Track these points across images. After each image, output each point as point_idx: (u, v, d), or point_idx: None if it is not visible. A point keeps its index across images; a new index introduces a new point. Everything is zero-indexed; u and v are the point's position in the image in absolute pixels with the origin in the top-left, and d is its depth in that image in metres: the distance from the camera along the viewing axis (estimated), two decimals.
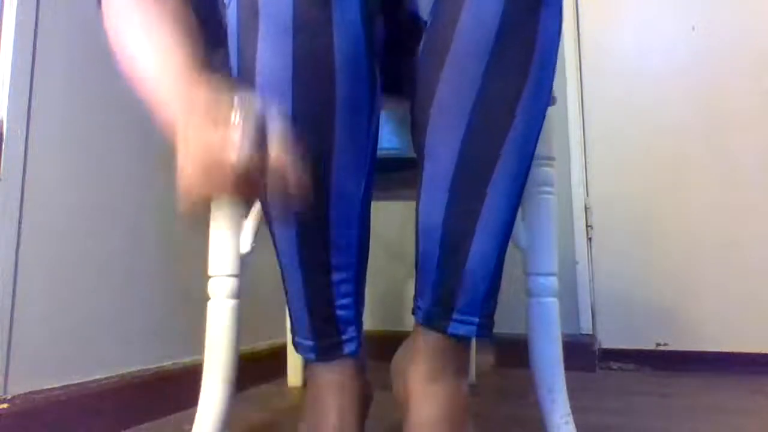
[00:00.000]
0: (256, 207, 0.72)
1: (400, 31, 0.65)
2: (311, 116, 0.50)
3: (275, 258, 0.57)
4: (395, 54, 0.64)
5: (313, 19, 0.48)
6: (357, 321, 0.58)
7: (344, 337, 0.56)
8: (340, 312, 0.56)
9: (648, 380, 1.30)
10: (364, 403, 0.59)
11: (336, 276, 0.55)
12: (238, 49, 0.50)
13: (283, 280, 0.57)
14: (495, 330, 0.57)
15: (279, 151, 0.40)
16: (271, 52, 0.48)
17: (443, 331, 0.55)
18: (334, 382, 0.57)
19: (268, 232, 0.57)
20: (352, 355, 0.57)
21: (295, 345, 0.59)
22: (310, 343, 0.56)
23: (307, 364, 0.60)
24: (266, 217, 0.56)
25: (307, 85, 0.49)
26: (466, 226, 0.54)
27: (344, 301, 0.56)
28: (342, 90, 0.50)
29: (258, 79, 0.49)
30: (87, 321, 0.85)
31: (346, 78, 0.50)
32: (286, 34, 0.48)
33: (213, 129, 0.40)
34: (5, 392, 0.72)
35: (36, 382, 0.76)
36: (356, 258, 0.56)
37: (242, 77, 0.51)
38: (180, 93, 0.49)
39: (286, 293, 0.57)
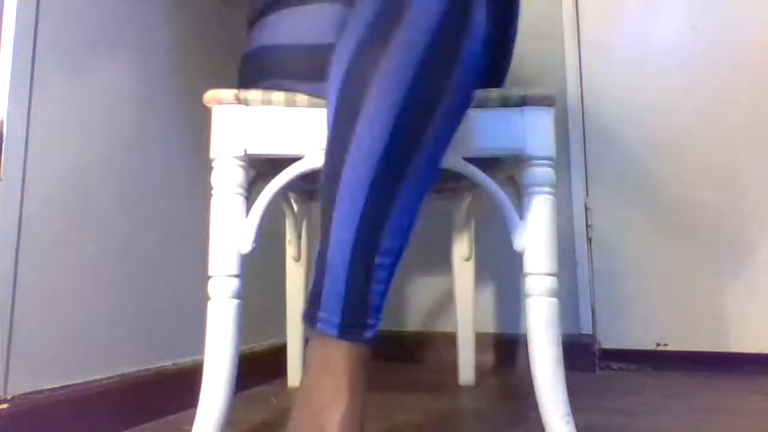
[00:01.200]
0: (256, 206, 0.72)
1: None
2: (422, 104, 0.55)
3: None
4: None
5: None
6: (380, 313, 0.60)
7: (369, 321, 0.58)
8: (372, 297, 0.58)
9: (648, 380, 1.30)
10: (366, 391, 0.60)
11: (379, 259, 0.57)
12: None
13: (325, 251, 0.58)
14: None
15: None
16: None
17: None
18: (348, 367, 0.57)
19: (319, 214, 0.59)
20: (369, 342, 0.58)
21: (317, 319, 0.59)
22: (336, 319, 0.58)
23: (309, 351, 0.60)
24: (322, 189, 0.59)
25: (423, 78, 0.55)
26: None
27: (378, 287, 0.58)
28: (456, 92, 0.56)
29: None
30: (87, 321, 0.85)
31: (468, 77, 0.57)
32: None
33: None
34: (5, 392, 0.72)
35: (36, 382, 0.76)
36: (400, 245, 0.59)
37: None
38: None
39: (325, 265, 0.58)
